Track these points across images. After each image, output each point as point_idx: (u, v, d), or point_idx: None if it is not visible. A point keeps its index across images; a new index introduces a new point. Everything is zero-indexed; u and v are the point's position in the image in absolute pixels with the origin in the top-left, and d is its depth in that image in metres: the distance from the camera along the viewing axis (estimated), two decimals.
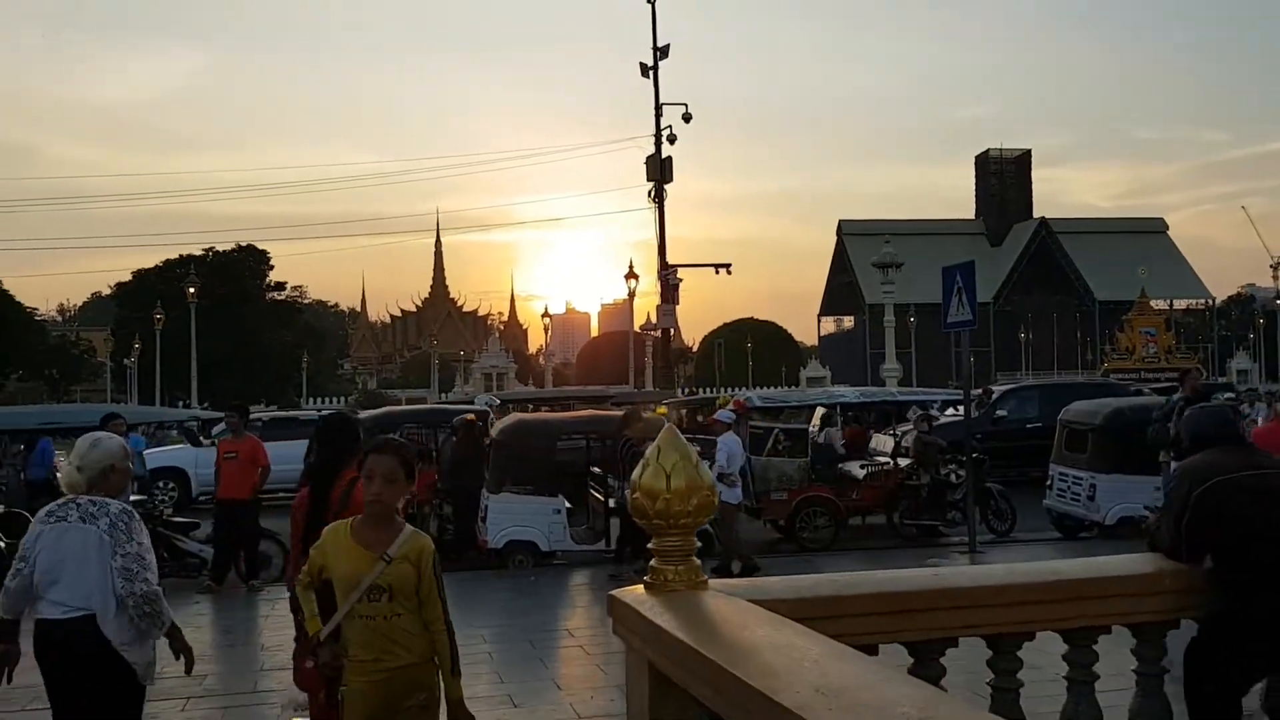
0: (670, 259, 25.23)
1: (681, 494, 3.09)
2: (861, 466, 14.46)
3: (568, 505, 13.01)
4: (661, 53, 25.92)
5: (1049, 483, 13.45)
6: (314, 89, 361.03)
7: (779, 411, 15.58)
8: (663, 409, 15.98)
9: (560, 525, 12.68)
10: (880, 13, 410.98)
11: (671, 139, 25.89)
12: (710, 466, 11.90)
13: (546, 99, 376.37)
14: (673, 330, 27.51)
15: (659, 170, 25.70)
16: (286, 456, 20.98)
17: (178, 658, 4.68)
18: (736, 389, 59.86)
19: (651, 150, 26.13)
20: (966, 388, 12.31)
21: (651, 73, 25.99)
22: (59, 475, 5.31)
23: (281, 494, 20.85)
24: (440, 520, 14.36)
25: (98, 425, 11.68)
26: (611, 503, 12.64)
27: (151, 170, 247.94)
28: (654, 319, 60.06)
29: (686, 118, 25.72)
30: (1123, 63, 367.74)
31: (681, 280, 25.54)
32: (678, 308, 26.37)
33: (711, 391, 48.57)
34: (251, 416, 26.54)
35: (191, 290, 40.28)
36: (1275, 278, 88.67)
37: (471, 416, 18.91)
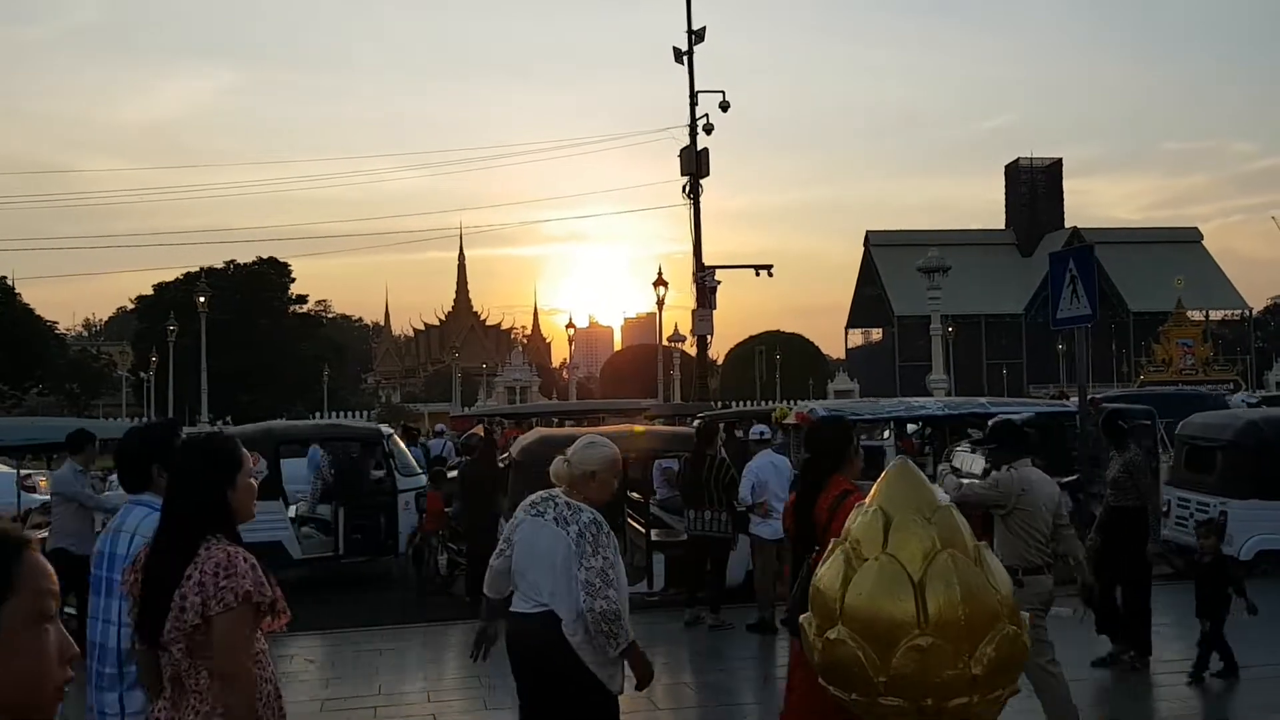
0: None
1: (957, 630, 1.30)
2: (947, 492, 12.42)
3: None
4: (697, 36, 24.06)
5: (1165, 509, 11.48)
6: (342, 106, 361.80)
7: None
8: (782, 409, 13.58)
9: None
10: (907, 26, 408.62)
11: (708, 129, 23.98)
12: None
13: (578, 116, 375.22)
14: (710, 338, 25.59)
15: (694, 163, 23.84)
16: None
17: (636, 675, 4.50)
18: (763, 402, 57.94)
19: (686, 143, 24.31)
20: (1083, 397, 10.40)
21: (686, 58, 24.18)
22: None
23: None
24: (451, 554, 12.50)
25: (62, 443, 10.10)
26: (655, 534, 10.75)
27: (181, 186, 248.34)
28: (680, 330, 58.40)
29: (724, 106, 23.83)
30: (1150, 74, 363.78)
31: (720, 283, 23.64)
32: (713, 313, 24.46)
33: (745, 405, 46.57)
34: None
35: (202, 300, 38.57)
36: None
37: (481, 430, 16.94)
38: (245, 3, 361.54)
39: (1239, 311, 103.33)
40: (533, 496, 4.58)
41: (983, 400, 14.93)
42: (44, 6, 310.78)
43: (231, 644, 3.00)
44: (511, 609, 4.51)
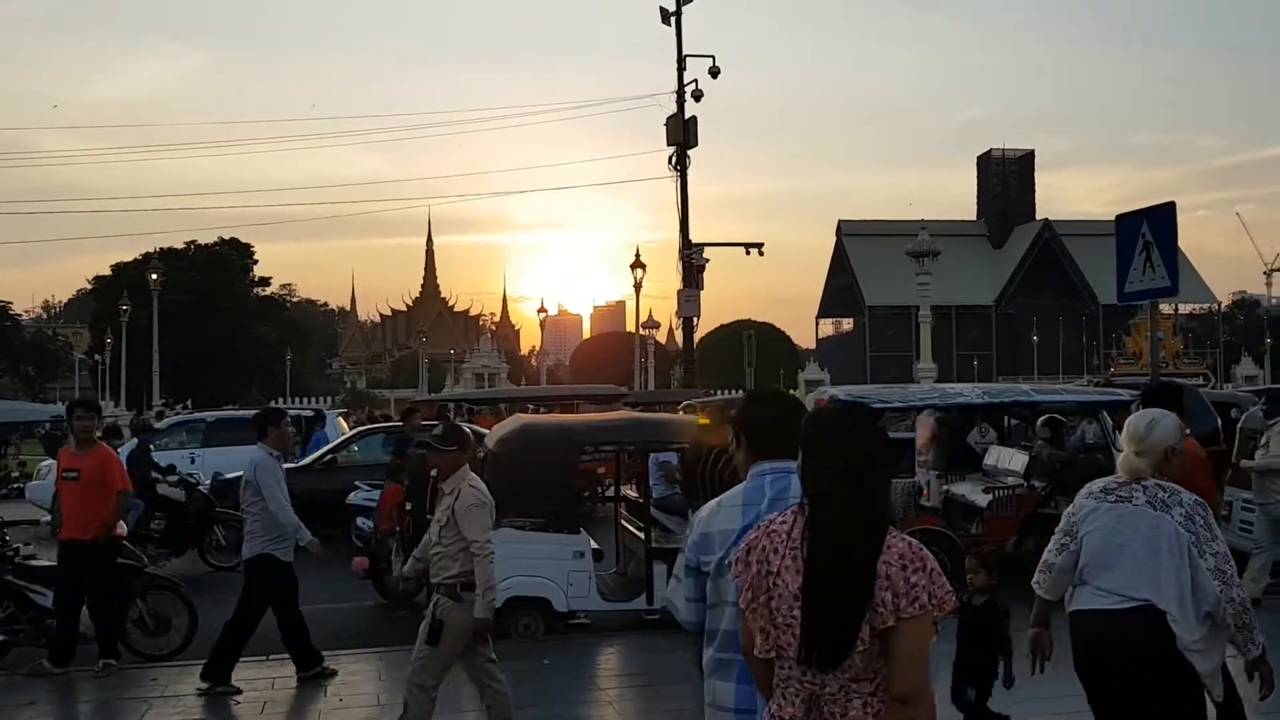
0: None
1: None
2: (985, 490, 11.15)
3: (595, 545, 9.52)
4: None
5: (1225, 513, 10.31)
6: (310, 89, 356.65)
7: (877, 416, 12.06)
8: (704, 417, 12.26)
9: (584, 574, 9.03)
10: (876, 17, 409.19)
11: (697, 95, 22.62)
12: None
13: (555, 103, 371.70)
14: (696, 320, 24.28)
15: (682, 132, 22.51)
16: (239, 463, 17.43)
17: (1250, 678, 4.08)
18: (733, 391, 56.73)
19: (672, 111, 22.94)
20: (1157, 377, 9.19)
21: (674, 19, 22.82)
22: None
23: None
24: (407, 554, 10.73)
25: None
26: (654, 539, 9.37)
27: (147, 169, 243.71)
28: (654, 316, 57.22)
29: (714, 72, 22.56)
30: (1117, 69, 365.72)
31: (708, 261, 22.32)
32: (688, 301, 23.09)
33: (730, 392, 45.19)
34: (196, 416, 23.31)
35: (155, 277, 36.85)
36: (1269, 284, 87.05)
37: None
38: None
39: (1207, 305, 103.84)
40: (1101, 482, 4.13)
41: (1026, 387, 13.73)
42: None
43: (918, 657, 2.53)
44: (1081, 608, 4.03)
